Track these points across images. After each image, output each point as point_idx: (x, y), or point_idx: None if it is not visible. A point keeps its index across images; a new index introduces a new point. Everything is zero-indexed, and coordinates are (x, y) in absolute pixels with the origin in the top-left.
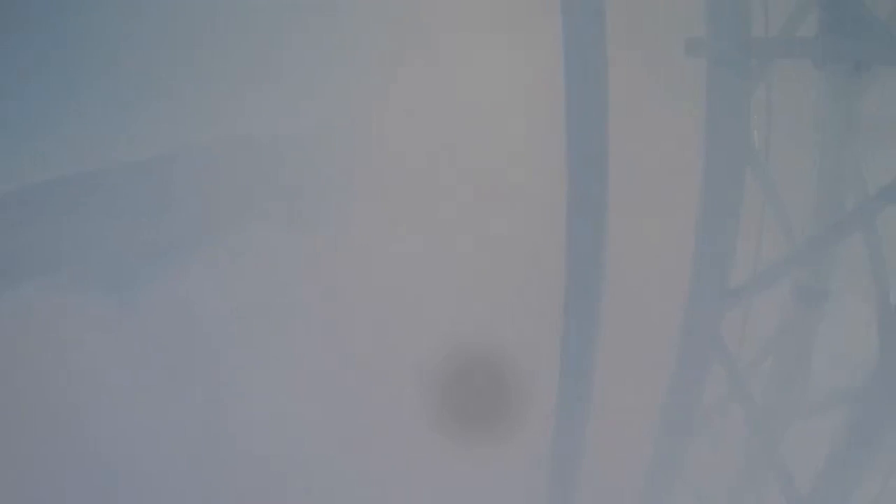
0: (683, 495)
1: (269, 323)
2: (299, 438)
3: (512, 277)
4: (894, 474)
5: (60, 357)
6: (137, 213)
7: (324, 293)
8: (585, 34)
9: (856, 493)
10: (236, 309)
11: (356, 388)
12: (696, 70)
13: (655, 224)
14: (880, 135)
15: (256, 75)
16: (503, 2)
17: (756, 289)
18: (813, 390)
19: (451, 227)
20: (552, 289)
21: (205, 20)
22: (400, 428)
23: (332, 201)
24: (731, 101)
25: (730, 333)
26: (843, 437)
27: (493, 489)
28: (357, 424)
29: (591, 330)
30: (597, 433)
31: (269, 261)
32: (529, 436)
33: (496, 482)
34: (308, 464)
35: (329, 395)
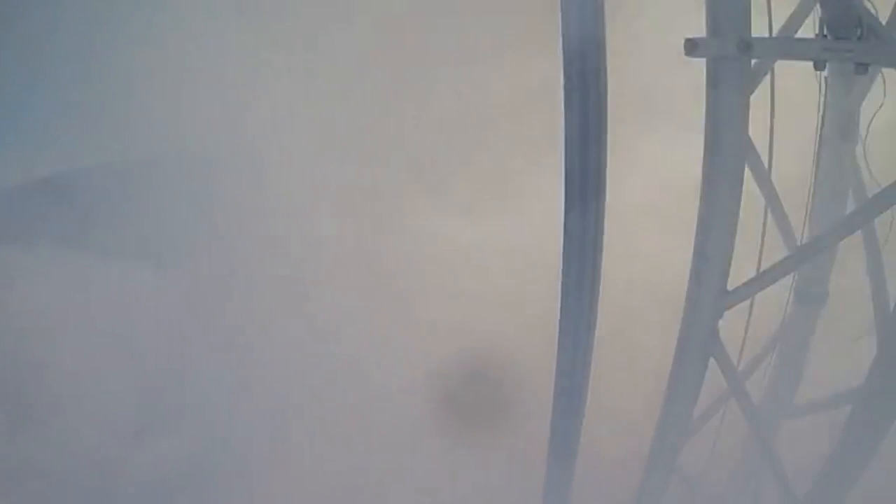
0: (681, 494)
1: (267, 321)
2: (299, 437)
3: (510, 278)
4: (892, 474)
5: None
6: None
7: (322, 292)
8: (585, 35)
9: (852, 493)
10: (235, 306)
11: (354, 389)
12: (696, 70)
13: (654, 224)
14: (880, 135)
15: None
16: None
17: (755, 289)
18: (811, 390)
19: (449, 227)
20: (549, 288)
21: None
22: (399, 428)
23: (330, 201)
24: (731, 101)
25: (728, 333)
26: (842, 436)
27: (491, 489)
28: (356, 424)
29: (587, 330)
30: (595, 432)
31: (269, 259)
32: (526, 435)
33: (493, 482)
34: (308, 463)
35: (328, 395)
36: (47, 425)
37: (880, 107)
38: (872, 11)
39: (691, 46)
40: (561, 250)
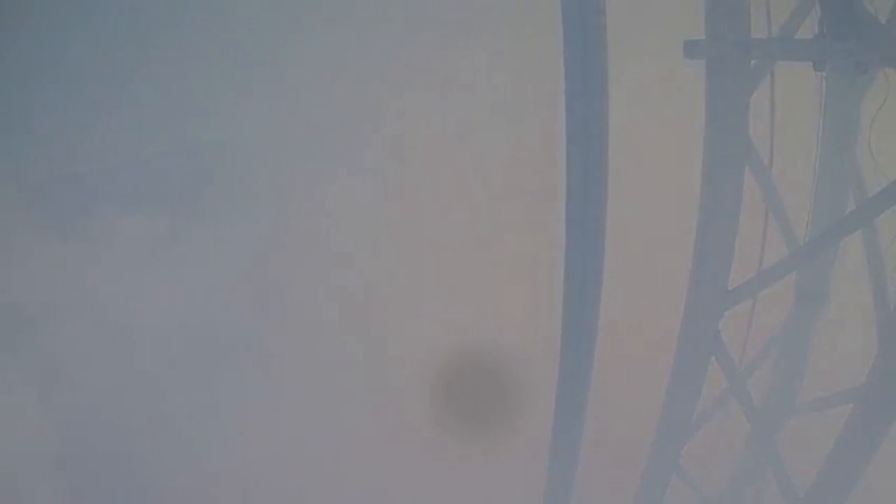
0: (682, 493)
1: (267, 319)
2: (298, 438)
3: (511, 277)
4: (892, 473)
5: None
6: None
7: (323, 292)
8: (585, 34)
9: (853, 492)
10: (237, 304)
11: (355, 388)
12: (696, 70)
13: (655, 223)
14: (880, 135)
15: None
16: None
17: (756, 289)
18: (811, 389)
19: (452, 227)
20: (551, 288)
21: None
22: (401, 426)
23: (333, 199)
24: (731, 102)
25: (729, 332)
26: (842, 435)
27: (493, 488)
28: (357, 423)
29: (590, 329)
30: (596, 431)
31: (270, 258)
32: (528, 434)
33: (495, 481)
34: (308, 462)
35: (328, 394)
36: None
37: (881, 106)
38: (872, 11)
39: (691, 48)
40: None
